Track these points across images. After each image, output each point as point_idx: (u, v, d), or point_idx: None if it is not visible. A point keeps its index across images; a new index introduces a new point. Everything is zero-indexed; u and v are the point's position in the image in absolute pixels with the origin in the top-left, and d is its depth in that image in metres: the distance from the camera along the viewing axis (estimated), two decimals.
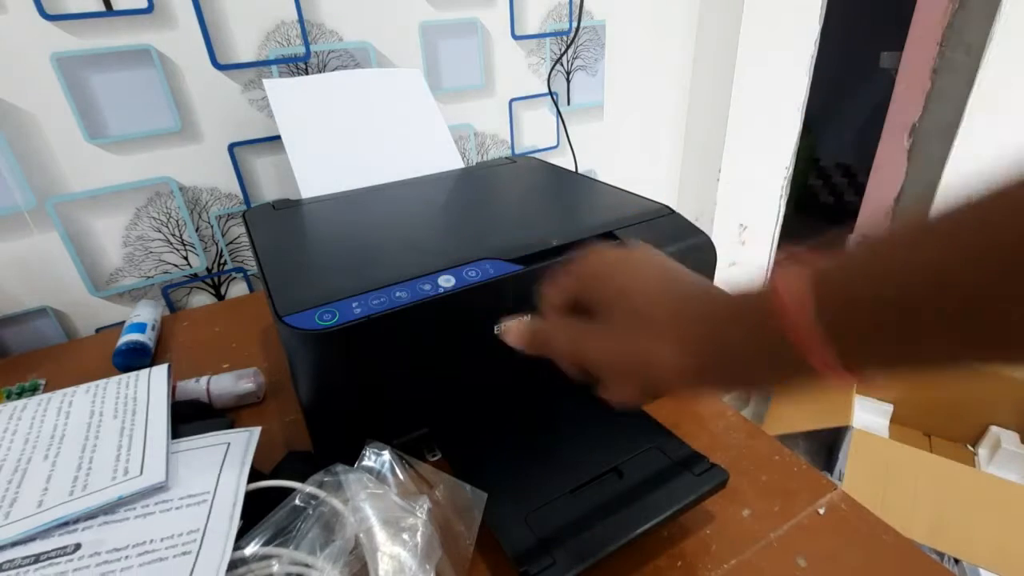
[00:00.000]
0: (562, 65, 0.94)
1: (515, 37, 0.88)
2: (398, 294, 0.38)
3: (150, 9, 0.62)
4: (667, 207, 0.51)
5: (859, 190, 2.31)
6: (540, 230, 0.47)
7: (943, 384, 1.30)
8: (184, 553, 0.30)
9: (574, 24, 0.92)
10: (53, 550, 0.30)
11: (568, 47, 0.94)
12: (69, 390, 0.43)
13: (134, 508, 0.33)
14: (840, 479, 1.02)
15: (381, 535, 0.32)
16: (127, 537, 0.31)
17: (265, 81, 0.64)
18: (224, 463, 0.36)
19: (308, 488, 0.34)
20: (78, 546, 0.31)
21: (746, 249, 1.30)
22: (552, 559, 0.33)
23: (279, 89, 0.64)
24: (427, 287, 0.39)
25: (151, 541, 0.31)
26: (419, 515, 0.34)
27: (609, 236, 0.46)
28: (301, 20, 0.71)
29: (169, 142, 0.68)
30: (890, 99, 1.86)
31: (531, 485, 0.38)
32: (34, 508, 0.33)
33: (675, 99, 1.12)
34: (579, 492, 0.38)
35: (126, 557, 0.30)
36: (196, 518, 0.32)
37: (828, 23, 1.14)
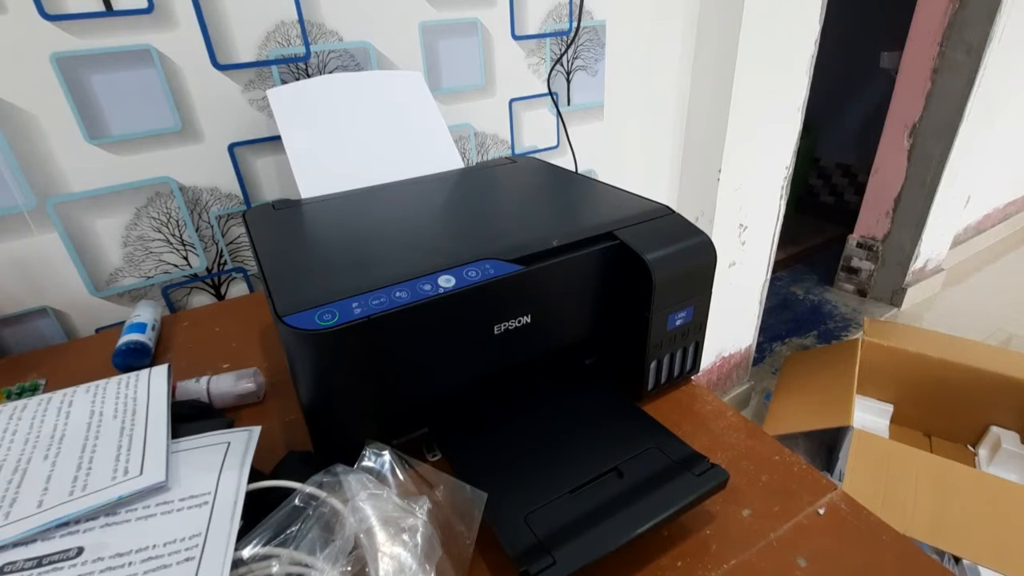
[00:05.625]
0: (562, 65, 0.94)
1: (515, 37, 0.88)
2: (398, 294, 0.38)
3: (150, 9, 0.62)
4: (667, 207, 0.51)
5: (859, 190, 2.31)
6: (540, 230, 0.47)
7: (943, 384, 1.30)
8: (187, 559, 0.30)
9: (574, 24, 0.92)
10: (55, 553, 0.30)
11: (568, 47, 0.94)
12: (69, 390, 0.43)
13: (135, 509, 0.33)
14: (840, 479, 1.02)
15: (381, 535, 0.32)
16: (129, 541, 0.31)
17: (268, 92, 0.64)
18: (224, 463, 0.36)
19: (308, 488, 0.34)
20: (81, 550, 0.31)
21: (746, 249, 1.30)
22: (552, 559, 0.33)
23: (280, 94, 0.64)
24: (427, 287, 0.39)
25: (154, 546, 0.31)
26: (419, 515, 0.34)
27: (609, 236, 0.46)
28: (301, 20, 0.71)
29: (169, 142, 0.68)
30: (890, 99, 1.86)
31: (531, 485, 0.38)
32: (34, 508, 0.33)
33: (675, 99, 1.12)
34: (579, 492, 0.38)
35: (129, 564, 0.30)
36: (198, 521, 0.32)
37: (828, 23, 1.14)
